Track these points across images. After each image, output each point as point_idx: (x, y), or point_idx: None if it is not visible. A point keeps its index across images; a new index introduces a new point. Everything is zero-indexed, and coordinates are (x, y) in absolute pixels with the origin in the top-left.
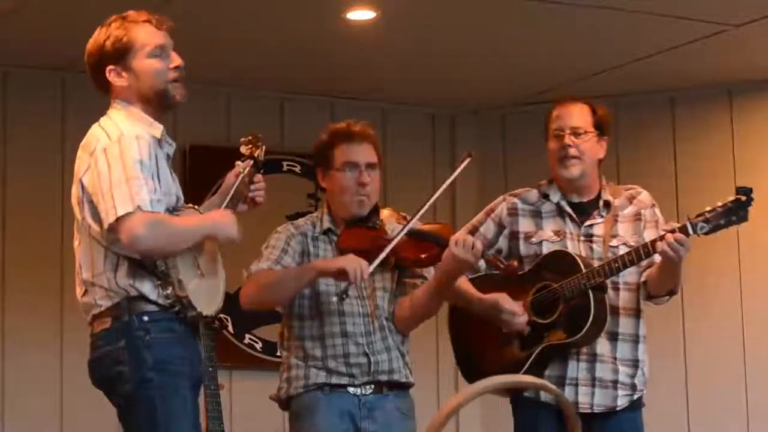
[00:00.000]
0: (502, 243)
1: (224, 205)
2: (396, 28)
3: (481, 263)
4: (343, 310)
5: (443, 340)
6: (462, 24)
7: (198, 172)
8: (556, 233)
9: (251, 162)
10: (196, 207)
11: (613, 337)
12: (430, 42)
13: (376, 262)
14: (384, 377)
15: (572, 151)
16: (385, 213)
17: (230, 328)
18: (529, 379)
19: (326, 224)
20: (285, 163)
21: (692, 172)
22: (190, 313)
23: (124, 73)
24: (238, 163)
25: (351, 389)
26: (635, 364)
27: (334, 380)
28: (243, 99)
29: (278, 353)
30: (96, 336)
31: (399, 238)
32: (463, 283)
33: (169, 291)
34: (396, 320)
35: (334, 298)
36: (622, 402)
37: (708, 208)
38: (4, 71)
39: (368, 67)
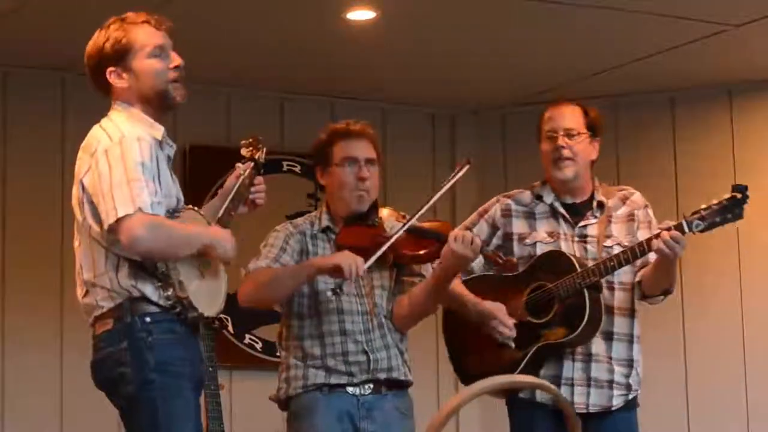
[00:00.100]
0: (495, 244)
1: (224, 206)
2: (396, 28)
3: (479, 260)
4: (341, 308)
5: (443, 340)
6: (462, 24)
7: (198, 172)
8: (550, 234)
9: (252, 164)
10: (196, 209)
11: (609, 337)
12: (430, 42)
13: (374, 258)
14: (383, 375)
15: (566, 153)
16: (384, 212)
17: (230, 328)
18: (529, 379)
19: (325, 222)
20: (285, 163)
21: (692, 172)
22: (191, 314)
23: (124, 75)
24: (239, 165)
25: (350, 389)
26: (630, 363)
27: (333, 380)
28: (243, 99)
29: (278, 353)
30: (98, 337)
31: (398, 235)
32: (457, 286)
33: (169, 292)
34: (394, 318)
35: (329, 293)
36: (617, 402)
37: (703, 206)
38: (4, 71)
39: (368, 67)
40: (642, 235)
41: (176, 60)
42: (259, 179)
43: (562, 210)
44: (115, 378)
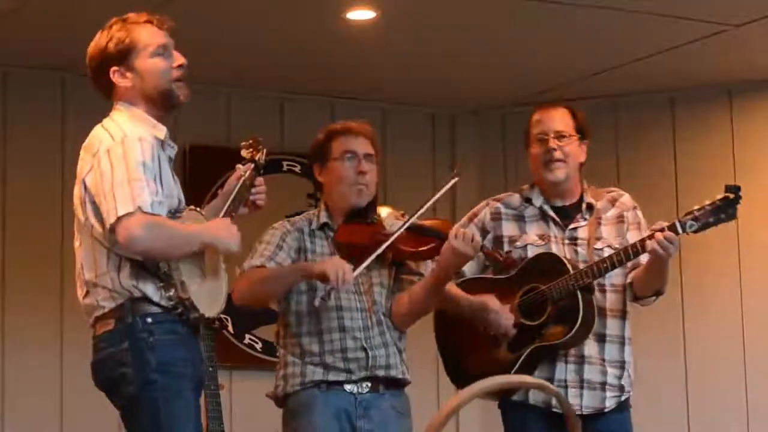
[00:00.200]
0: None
1: (225, 207)
2: (396, 28)
3: (470, 263)
4: (340, 305)
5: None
6: (462, 24)
7: (198, 172)
8: (541, 237)
9: (252, 165)
10: (197, 209)
11: (601, 339)
12: (430, 42)
13: (364, 265)
14: (381, 372)
15: (557, 154)
16: (384, 211)
17: (230, 329)
18: (529, 379)
19: (323, 219)
20: (285, 163)
21: (692, 172)
22: (193, 314)
23: (128, 74)
24: (239, 166)
25: (348, 386)
26: (622, 365)
27: (332, 377)
28: (243, 99)
29: (277, 353)
30: (98, 338)
31: (396, 235)
32: (451, 286)
33: (171, 293)
34: (393, 316)
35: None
36: (610, 403)
37: (696, 207)
38: (4, 71)
39: (368, 67)
40: (632, 236)
41: (180, 59)
42: (259, 180)
43: (551, 213)
44: (116, 378)
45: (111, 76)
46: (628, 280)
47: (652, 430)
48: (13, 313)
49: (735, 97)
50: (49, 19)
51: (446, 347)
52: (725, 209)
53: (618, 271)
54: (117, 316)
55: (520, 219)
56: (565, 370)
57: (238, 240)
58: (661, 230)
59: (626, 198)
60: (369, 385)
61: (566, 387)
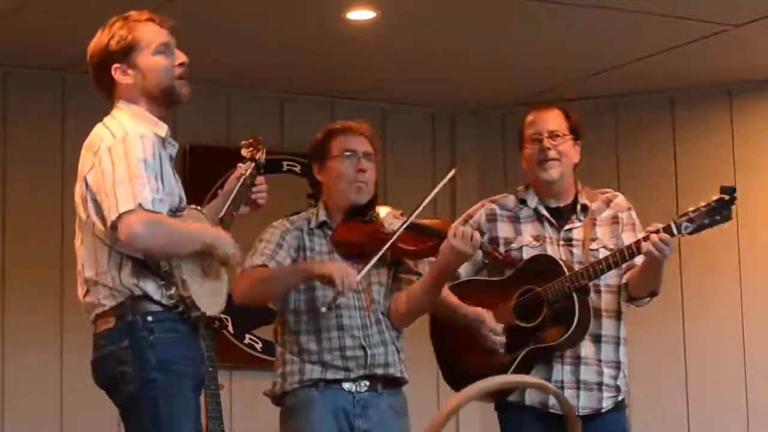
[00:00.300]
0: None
1: (226, 207)
2: (396, 28)
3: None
4: (339, 303)
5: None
6: (462, 24)
7: (198, 172)
8: (536, 238)
9: (252, 164)
10: (198, 208)
11: (597, 340)
12: (430, 42)
13: (367, 268)
14: (380, 371)
15: (552, 154)
16: (383, 210)
17: (230, 328)
18: (529, 379)
19: (322, 217)
20: (285, 163)
21: (692, 172)
22: (194, 313)
23: (130, 71)
24: (240, 165)
25: (346, 385)
26: (617, 365)
27: (330, 375)
28: (243, 99)
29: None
30: (99, 336)
31: (396, 236)
32: (447, 294)
33: (172, 291)
34: (392, 315)
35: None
36: (606, 404)
37: (692, 208)
38: (4, 71)
39: (368, 67)
40: (627, 237)
41: (181, 57)
42: (260, 179)
43: (546, 214)
44: (116, 376)
45: (113, 73)
46: (623, 281)
47: (652, 430)
48: (13, 313)
49: (735, 97)
50: (49, 19)
51: (442, 351)
52: (720, 210)
53: (613, 271)
54: (117, 314)
55: (515, 220)
56: (561, 372)
57: (237, 251)
58: (657, 232)
59: (621, 199)
60: (367, 383)
61: (563, 388)
